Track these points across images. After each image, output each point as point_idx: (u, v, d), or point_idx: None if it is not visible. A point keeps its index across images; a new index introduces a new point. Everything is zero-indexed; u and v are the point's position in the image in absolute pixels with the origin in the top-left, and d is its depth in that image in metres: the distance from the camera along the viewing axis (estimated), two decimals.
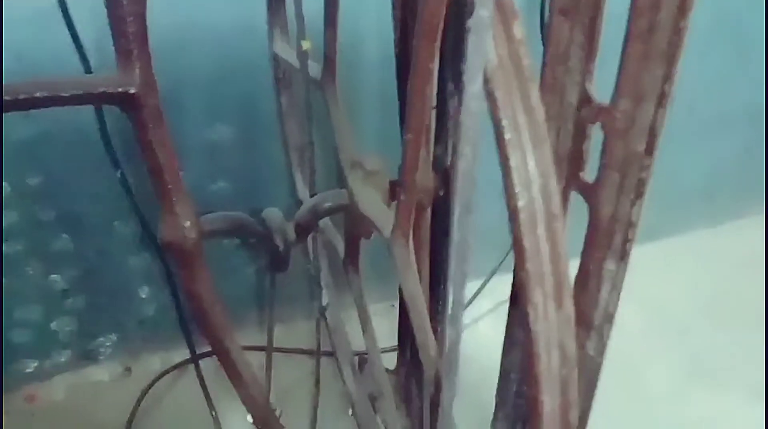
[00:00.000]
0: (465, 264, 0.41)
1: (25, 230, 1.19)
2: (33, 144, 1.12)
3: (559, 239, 0.36)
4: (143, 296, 1.36)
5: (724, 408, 1.37)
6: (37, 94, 0.53)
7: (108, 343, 1.39)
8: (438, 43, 0.44)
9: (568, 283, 0.37)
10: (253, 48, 1.11)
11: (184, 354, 1.41)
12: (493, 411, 0.71)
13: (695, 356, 1.48)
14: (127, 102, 0.56)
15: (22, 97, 0.53)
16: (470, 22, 0.35)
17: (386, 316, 1.27)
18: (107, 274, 1.31)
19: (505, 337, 0.63)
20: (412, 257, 0.59)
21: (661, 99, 0.40)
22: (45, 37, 1.01)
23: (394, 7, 0.66)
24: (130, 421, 1.30)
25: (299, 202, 1.10)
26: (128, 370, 1.42)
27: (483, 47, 0.34)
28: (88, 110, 1.06)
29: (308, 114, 0.76)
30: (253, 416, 0.77)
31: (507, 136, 0.35)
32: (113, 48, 0.56)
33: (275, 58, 1.03)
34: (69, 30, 0.96)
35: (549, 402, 0.38)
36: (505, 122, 0.35)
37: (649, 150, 0.42)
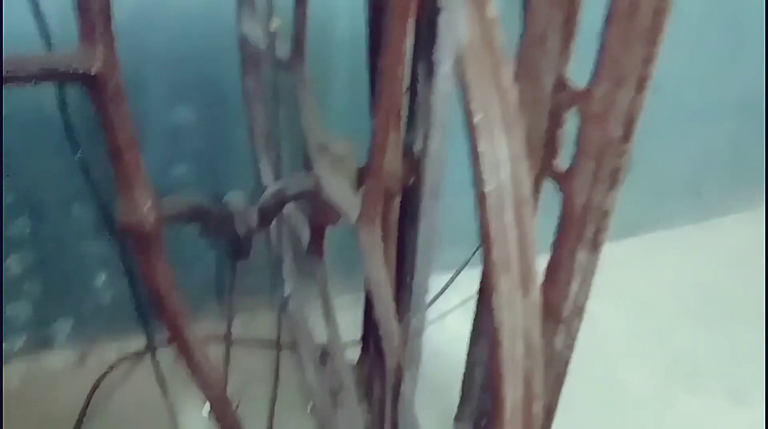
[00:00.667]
0: (431, 250, 0.39)
1: None
2: None
3: (528, 225, 0.35)
4: (100, 283, 1.33)
5: (705, 410, 1.37)
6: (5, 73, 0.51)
7: (63, 330, 1.35)
8: (411, 22, 0.42)
9: (535, 271, 0.36)
10: (219, 28, 1.08)
11: (140, 343, 1.38)
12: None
13: (676, 356, 1.48)
14: (88, 81, 0.55)
15: None
16: (442, 1, 0.33)
17: (351, 309, 1.25)
18: (64, 259, 1.28)
19: (472, 329, 0.62)
20: (379, 243, 0.57)
21: (642, 82, 0.39)
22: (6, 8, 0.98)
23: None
24: (84, 410, 1.27)
25: (264, 188, 1.08)
26: (83, 357, 1.38)
27: (455, 27, 0.33)
28: (48, 89, 1.02)
29: (275, 96, 0.74)
30: (210, 406, 0.75)
31: (476, 118, 0.33)
32: (76, 24, 0.54)
33: (243, 39, 1.00)
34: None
35: (511, 393, 0.36)
36: (474, 105, 0.34)
37: (626, 136, 0.41)
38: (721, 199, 1.88)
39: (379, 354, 0.91)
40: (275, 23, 0.72)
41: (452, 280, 1.54)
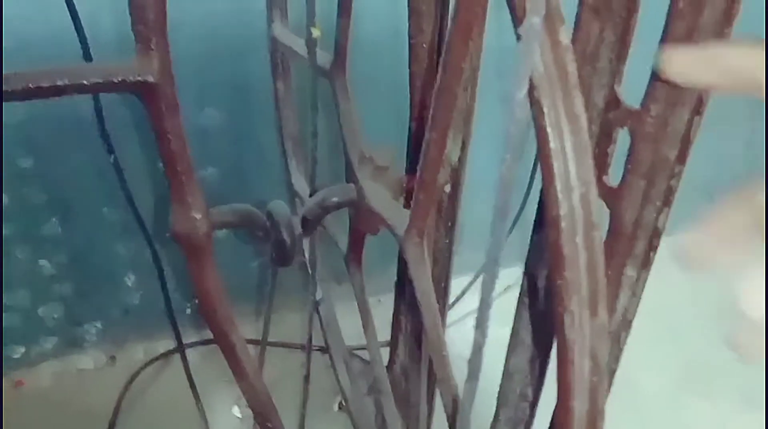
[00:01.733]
0: (496, 267, 0.40)
1: (16, 214, 1.17)
2: (26, 125, 1.10)
3: (597, 248, 0.36)
4: (129, 284, 1.35)
5: (719, 414, 1.37)
6: (58, 83, 0.53)
7: (93, 331, 1.37)
8: (473, 42, 0.44)
9: (603, 293, 0.37)
10: (248, 30, 1.09)
11: (167, 344, 1.41)
12: (493, 412, 0.71)
13: (691, 360, 1.48)
14: (144, 91, 0.56)
15: (44, 84, 0.52)
16: (520, 30, 0.34)
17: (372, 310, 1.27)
18: (94, 260, 1.30)
19: (511, 338, 0.63)
20: (425, 256, 0.59)
21: (699, 106, 0.40)
22: (41, 15, 1.00)
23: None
24: (116, 410, 1.30)
25: (293, 192, 1.10)
26: (113, 358, 1.41)
27: (531, 55, 0.34)
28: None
29: (313, 105, 0.76)
30: (252, 409, 0.76)
31: (552, 144, 0.34)
32: (111, 28, 0.55)
33: (273, 42, 1.00)
34: (69, 8, 0.94)
35: (579, 409, 0.38)
36: (549, 130, 0.35)
37: (682, 158, 0.42)
38: None
39: (412, 360, 0.93)
40: (316, 31, 0.73)
41: (472, 283, 1.55)
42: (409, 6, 0.63)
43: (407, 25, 0.66)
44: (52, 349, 1.35)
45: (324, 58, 0.75)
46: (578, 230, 0.35)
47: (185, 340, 1.35)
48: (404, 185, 0.69)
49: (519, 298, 0.62)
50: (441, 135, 0.49)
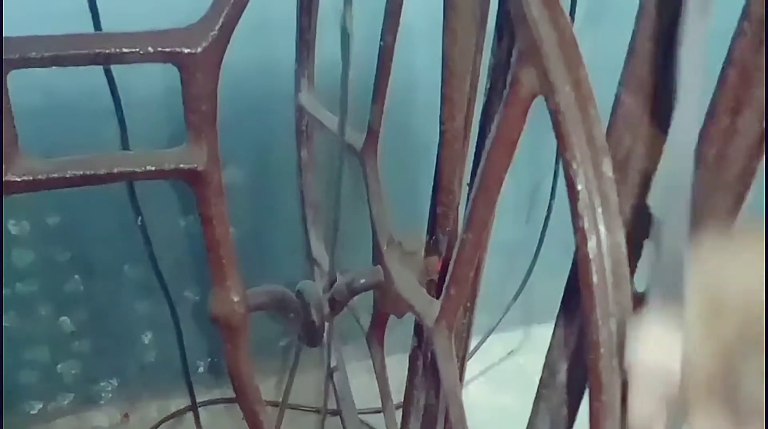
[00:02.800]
0: None
1: (41, 270, 1.20)
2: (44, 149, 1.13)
3: (624, 284, 0.38)
4: (146, 342, 1.37)
5: None
6: (114, 170, 0.56)
7: (109, 388, 1.38)
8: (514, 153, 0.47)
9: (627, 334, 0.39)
10: (273, 93, 1.13)
11: (180, 402, 1.42)
12: None
13: None
14: (193, 178, 0.59)
15: (101, 172, 0.55)
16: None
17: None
18: (114, 318, 1.32)
19: (535, 405, 0.64)
20: (453, 348, 0.61)
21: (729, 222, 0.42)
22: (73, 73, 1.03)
23: (443, 85, 0.68)
24: None
25: (312, 260, 1.12)
26: (126, 416, 1.42)
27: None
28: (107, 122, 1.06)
29: (338, 187, 0.77)
30: None
31: (594, 276, 0.37)
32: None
33: (299, 110, 1.03)
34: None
35: None
36: (592, 258, 0.37)
37: None
38: None
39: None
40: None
41: (477, 347, 1.56)
42: (442, 93, 0.66)
43: (439, 110, 0.69)
44: (69, 406, 1.36)
45: (353, 136, 0.78)
46: (614, 354, 0.37)
47: (198, 399, 1.37)
48: (430, 269, 0.71)
49: (537, 391, 0.64)
50: (477, 237, 0.51)
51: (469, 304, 0.82)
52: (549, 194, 1.33)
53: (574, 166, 0.37)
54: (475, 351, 1.52)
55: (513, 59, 0.42)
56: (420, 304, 0.65)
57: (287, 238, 1.29)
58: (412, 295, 0.67)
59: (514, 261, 1.42)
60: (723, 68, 0.39)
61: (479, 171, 0.50)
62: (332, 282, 0.78)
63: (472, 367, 1.48)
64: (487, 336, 1.53)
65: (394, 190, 0.98)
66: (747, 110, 0.39)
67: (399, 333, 0.89)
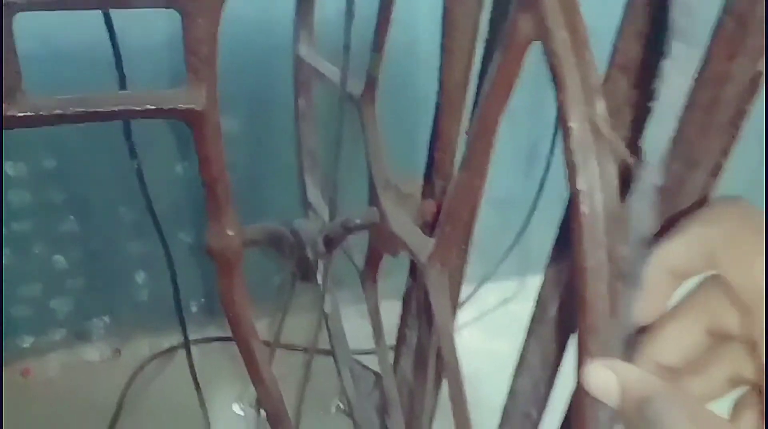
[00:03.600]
0: None
1: (36, 211, 1.21)
2: (54, 128, 1.14)
3: (619, 297, 0.41)
4: (139, 281, 1.39)
5: None
6: (114, 108, 0.57)
7: (101, 325, 1.41)
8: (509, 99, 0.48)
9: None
10: (273, 42, 1.13)
11: (172, 340, 1.44)
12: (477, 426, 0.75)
13: None
14: (192, 118, 0.60)
15: (100, 109, 0.56)
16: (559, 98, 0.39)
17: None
18: (108, 257, 1.34)
19: (518, 361, 0.67)
20: (447, 285, 0.63)
21: (716, 170, 0.44)
22: (72, 22, 1.03)
23: (444, 36, 0.69)
24: (119, 402, 1.33)
25: (308, 204, 1.13)
26: (118, 351, 1.44)
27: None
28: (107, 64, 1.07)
29: (339, 135, 0.79)
30: (266, 411, 0.80)
31: (584, 207, 0.39)
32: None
33: (298, 60, 1.04)
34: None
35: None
36: (580, 183, 0.39)
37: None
38: None
39: (416, 372, 0.97)
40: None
41: (472, 295, 1.59)
42: (441, 45, 0.67)
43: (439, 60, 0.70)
44: (60, 341, 1.39)
45: (353, 85, 0.79)
46: (603, 280, 0.39)
47: (190, 337, 1.39)
48: (427, 212, 0.73)
49: (529, 327, 0.66)
50: (473, 176, 0.53)
51: (463, 246, 0.84)
52: (548, 151, 1.34)
53: (568, 105, 0.38)
54: (470, 298, 1.56)
55: (512, 5, 0.43)
56: (414, 242, 0.67)
57: (284, 183, 1.31)
58: (406, 233, 0.69)
59: (510, 214, 1.45)
60: (720, 17, 0.40)
61: (476, 114, 0.52)
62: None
63: (466, 313, 1.54)
64: (482, 284, 1.58)
65: (394, 136, 1.00)
66: (741, 56, 0.40)
67: (395, 279, 0.91)
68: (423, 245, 0.65)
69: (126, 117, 0.58)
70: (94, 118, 0.58)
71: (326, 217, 0.87)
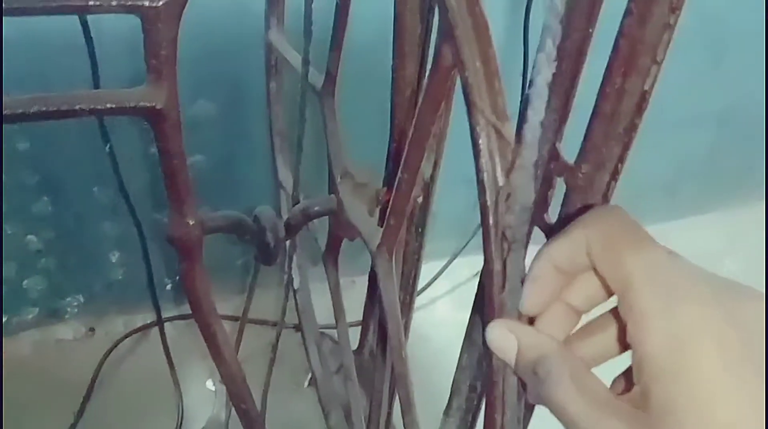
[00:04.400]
0: None
1: (9, 192, 1.23)
2: (19, 86, 1.16)
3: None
4: (113, 261, 1.42)
5: None
6: (77, 107, 0.60)
7: (75, 304, 1.44)
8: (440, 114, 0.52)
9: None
10: (245, 29, 1.15)
11: (146, 318, 1.48)
12: (446, 394, 0.79)
13: None
14: (152, 115, 0.63)
15: (63, 107, 0.59)
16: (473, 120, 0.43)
17: (345, 292, 1.35)
18: (81, 237, 1.36)
19: (465, 337, 0.71)
20: (393, 271, 0.67)
21: (614, 175, 0.48)
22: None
23: (395, 37, 0.73)
24: (93, 379, 1.37)
25: (278, 182, 1.17)
26: (92, 330, 1.47)
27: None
28: (84, 82, 1.09)
29: (302, 118, 0.82)
30: (229, 391, 0.84)
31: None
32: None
33: (269, 46, 1.08)
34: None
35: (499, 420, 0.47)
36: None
37: None
38: (696, 199, 1.97)
39: (382, 344, 1.01)
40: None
41: (444, 269, 1.65)
42: (394, 45, 0.71)
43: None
44: (33, 320, 1.42)
45: (316, 76, 0.83)
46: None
47: (163, 315, 1.43)
48: (380, 199, 0.77)
49: (474, 303, 0.70)
50: (411, 177, 0.57)
51: (420, 229, 0.88)
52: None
53: (478, 130, 0.43)
54: (443, 272, 1.65)
55: (437, 34, 0.47)
56: (366, 231, 0.71)
57: (255, 166, 1.34)
58: (359, 222, 0.73)
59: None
60: (616, 39, 0.44)
61: (413, 123, 0.56)
62: (295, 204, 0.85)
63: (439, 286, 1.63)
64: (453, 259, 1.63)
65: (360, 126, 1.03)
66: (634, 74, 0.44)
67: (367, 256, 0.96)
68: (373, 234, 0.69)
69: (90, 115, 0.61)
70: (58, 116, 0.60)
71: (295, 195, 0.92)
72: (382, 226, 0.69)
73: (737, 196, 1.99)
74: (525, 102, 0.45)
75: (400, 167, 0.58)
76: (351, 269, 1.16)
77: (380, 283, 0.68)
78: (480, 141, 0.43)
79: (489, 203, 0.44)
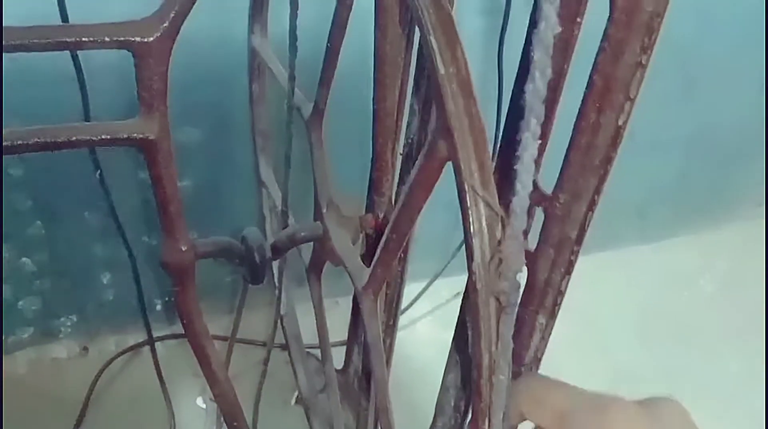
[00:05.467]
0: None
1: (4, 217, 1.26)
2: (13, 118, 1.18)
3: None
4: (105, 282, 1.45)
5: None
6: (73, 138, 0.63)
7: (68, 323, 1.47)
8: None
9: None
10: (230, 59, 1.18)
11: (137, 337, 1.51)
12: (428, 413, 0.82)
13: (618, 370, 1.59)
14: (145, 146, 0.66)
15: (60, 139, 0.62)
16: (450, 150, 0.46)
17: (329, 312, 1.38)
18: (74, 259, 1.39)
19: (448, 357, 0.74)
20: (377, 310, 0.70)
21: (590, 206, 0.51)
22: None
23: (375, 70, 0.76)
24: (87, 397, 1.39)
25: (261, 182, 1.20)
26: (85, 349, 1.50)
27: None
28: (75, 111, 1.12)
29: (288, 141, 0.84)
30: (221, 409, 0.87)
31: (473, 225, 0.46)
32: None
33: (252, 51, 1.10)
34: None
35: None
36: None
37: (579, 240, 0.53)
38: (666, 223, 2.02)
39: (366, 365, 1.04)
40: None
41: (425, 290, 1.68)
42: (374, 78, 0.74)
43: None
44: (29, 339, 1.44)
45: (302, 100, 0.85)
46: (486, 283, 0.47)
47: (155, 335, 1.45)
48: (363, 226, 0.80)
49: (456, 325, 0.73)
50: (400, 238, 0.61)
51: (402, 255, 0.92)
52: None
53: (467, 202, 0.46)
54: (424, 292, 1.69)
55: (432, 125, 0.50)
56: (352, 266, 0.74)
57: (241, 190, 1.37)
58: (346, 257, 0.77)
59: (459, 216, 1.52)
60: (590, 75, 0.48)
61: (402, 199, 0.59)
62: (284, 226, 0.90)
63: (421, 306, 1.66)
64: (435, 279, 1.67)
65: (346, 152, 1.06)
66: (608, 110, 0.47)
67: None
68: (360, 273, 0.72)
69: (84, 146, 0.64)
70: (55, 148, 0.63)
71: (278, 198, 0.96)
72: (365, 258, 0.72)
73: (708, 219, 2.03)
74: (513, 176, 0.48)
75: (389, 228, 0.62)
76: (335, 290, 1.18)
77: (365, 321, 0.71)
78: (469, 213, 0.46)
79: (480, 271, 0.47)
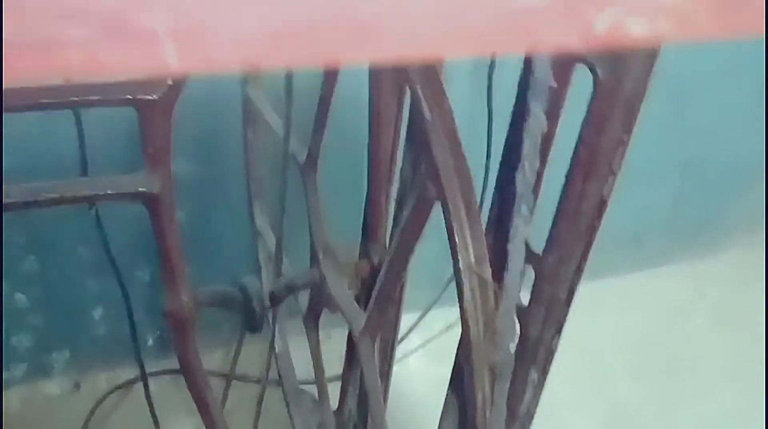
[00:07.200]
0: None
1: None
2: (14, 173, 1.20)
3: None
4: (97, 317, 1.46)
5: None
6: (83, 193, 0.65)
7: (61, 359, 1.47)
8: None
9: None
10: (222, 95, 1.20)
11: (129, 372, 1.50)
12: None
13: (614, 402, 1.57)
14: (150, 200, 0.68)
15: (68, 195, 0.64)
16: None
17: (322, 345, 1.39)
18: (67, 295, 1.40)
19: (444, 404, 0.75)
20: (374, 355, 0.72)
21: (578, 269, 0.53)
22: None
23: (371, 123, 0.78)
24: None
25: (256, 231, 1.21)
26: (77, 385, 1.50)
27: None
28: (69, 148, 1.13)
29: (283, 187, 0.86)
30: None
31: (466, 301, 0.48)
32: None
33: (248, 100, 1.13)
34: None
35: None
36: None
37: (568, 301, 0.55)
38: (661, 250, 2.02)
39: (361, 405, 1.06)
40: None
41: (417, 322, 1.68)
42: (369, 130, 0.77)
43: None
44: (21, 375, 1.44)
45: (297, 147, 0.87)
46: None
47: (147, 370, 1.45)
48: (358, 272, 0.82)
49: (450, 379, 0.75)
50: (392, 291, 0.63)
51: (398, 296, 0.94)
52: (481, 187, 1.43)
53: (461, 267, 0.48)
54: (416, 325, 1.66)
55: (421, 171, 0.53)
56: (349, 312, 0.77)
57: (233, 224, 1.38)
58: (343, 303, 0.79)
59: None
60: (576, 146, 0.50)
61: (393, 244, 0.61)
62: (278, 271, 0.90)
63: (413, 339, 1.64)
64: (428, 311, 1.66)
65: (341, 198, 1.08)
66: (593, 178, 0.50)
67: None
68: (357, 318, 0.74)
69: (91, 201, 0.66)
70: (62, 203, 0.66)
71: (272, 244, 0.96)
72: (359, 299, 0.74)
73: (702, 246, 2.05)
74: (504, 255, 0.50)
75: (381, 280, 0.64)
76: (327, 323, 1.20)
77: (362, 366, 0.73)
78: (464, 285, 0.49)
79: (474, 340, 0.49)
